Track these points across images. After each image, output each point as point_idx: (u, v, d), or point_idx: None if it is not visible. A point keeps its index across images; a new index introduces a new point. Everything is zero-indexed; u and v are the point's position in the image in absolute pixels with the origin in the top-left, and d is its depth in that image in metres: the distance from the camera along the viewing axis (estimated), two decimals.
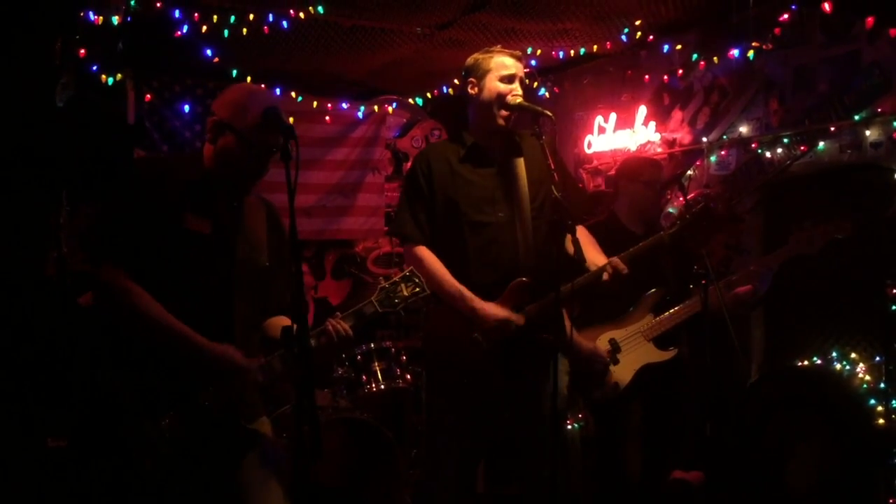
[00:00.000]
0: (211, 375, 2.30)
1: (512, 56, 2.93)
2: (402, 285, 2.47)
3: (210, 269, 2.36)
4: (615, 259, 2.90)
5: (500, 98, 2.88)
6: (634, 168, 3.86)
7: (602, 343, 3.53)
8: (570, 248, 2.67)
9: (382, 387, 4.57)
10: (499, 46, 2.99)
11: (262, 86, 2.47)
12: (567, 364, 2.99)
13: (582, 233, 3.02)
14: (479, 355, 2.83)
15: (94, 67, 5.06)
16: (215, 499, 2.33)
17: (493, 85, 2.89)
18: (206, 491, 2.31)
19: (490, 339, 2.84)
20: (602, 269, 2.88)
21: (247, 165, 2.37)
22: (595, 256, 2.95)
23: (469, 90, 2.96)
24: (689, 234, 3.04)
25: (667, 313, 3.57)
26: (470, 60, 2.97)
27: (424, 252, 2.91)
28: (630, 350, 3.53)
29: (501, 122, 2.91)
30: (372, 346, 4.65)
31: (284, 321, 2.47)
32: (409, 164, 3.94)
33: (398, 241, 5.57)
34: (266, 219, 2.53)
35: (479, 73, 2.92)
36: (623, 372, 3.51)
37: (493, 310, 2.83)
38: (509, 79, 2.89)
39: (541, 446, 2.82)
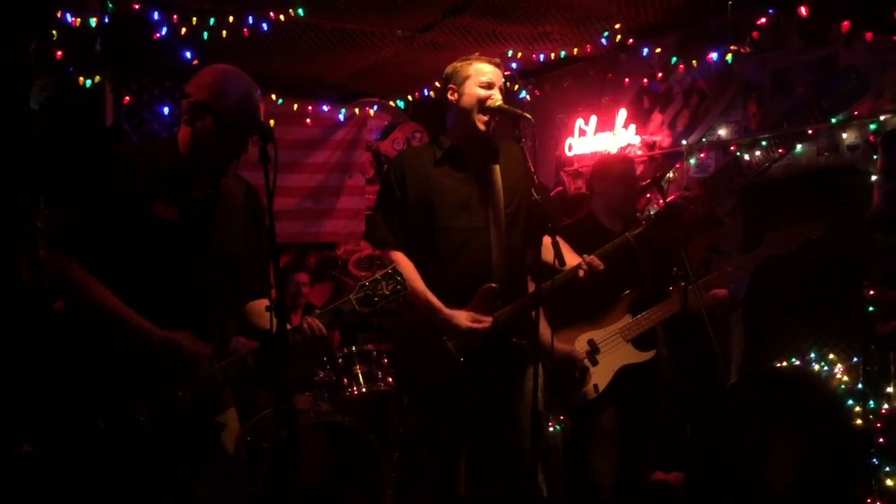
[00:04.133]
0: (166, 365, 2.26)
1: (490, 63, 2.96)
2: (383, 283, 2.47)
3: (181, 258, 2.33)
4: (590, 256, 2.92)
5: (480, 103, 2.91)
6: (606, 166, 3.88)
7: (581, 344, 3.54)
8: (550, 251, 2.68)
9: (364, 390, 4.55)
10: (477, 53, 3.03)
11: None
12: (540, 368, 2.99)
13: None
14: (447, 360, 2.84)
15: (72, 69, 5.02)
16: (172, 483, 2.31)
17: (472, 91, 2.92)
18: (173, 481, 2.30)
19: (461, 346, 2.85)
20: (577, 267, 2.90)
21: (226, 147, 2.36)
22: (570, 258, 2.97)
23: (449, 96, 2.99)
24: (654, 235, 3.07)
25: (644, 313, 3.59)
26: (449, 68, 3.01)
27: (399, 257, 2.91)
28: (609, 351, 3.54)
29: (482, 126, 2.93)
30: (353, 349, 4.64)
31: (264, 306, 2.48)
32: None
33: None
34: (245, 201, 2.51)
35: (459, 80, 2.95)
36: (602, 373, 3.51)
37: (463, 320, 2.83)
38: (488, 85, 2.92)
39: (518, 448, 2.83)
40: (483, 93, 2.90)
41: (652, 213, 3.08)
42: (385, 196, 3.00)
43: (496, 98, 2.91)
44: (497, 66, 2.97)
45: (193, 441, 2.33)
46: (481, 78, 2.91)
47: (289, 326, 2.28)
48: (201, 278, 2.35)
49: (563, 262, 2.70)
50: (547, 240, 2.71)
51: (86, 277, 2.26)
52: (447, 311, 2.84)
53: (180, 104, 2.42)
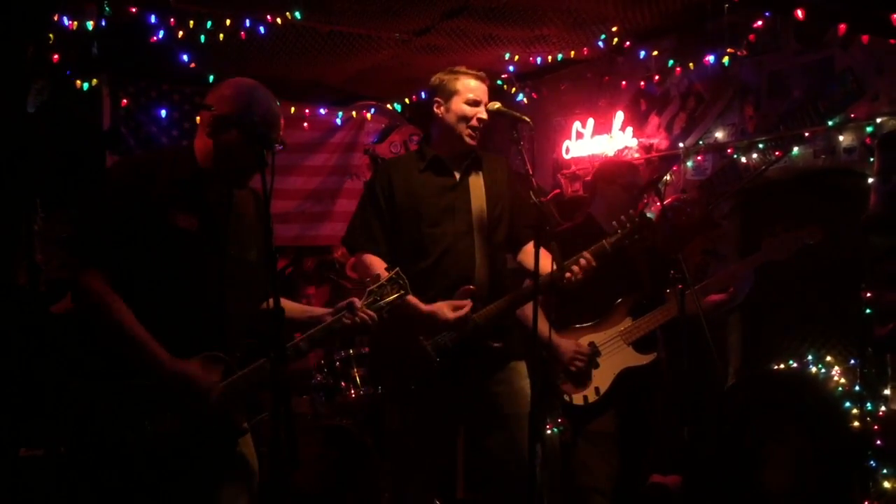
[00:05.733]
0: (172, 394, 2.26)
1: (477, 78, 3.00)
2: (388, 287, 2.49)
3: (200, 266, 2.34)
4: (585, 253, 2.92)
5: (466, 120, 2.95)
6: (612, 171, 3.87)
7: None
8: (546, 255, 2.68)
9: (362, 392, 4.55)
10: (464, 67, 3.04)
11: None
12: (524, 367, 3.01)
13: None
14: (423, 361, 2.85)
15: (68, 72, 5.01)
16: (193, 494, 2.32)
17: (459, 107, 2.96)
18: (194, 491, 2.30)
19: (437, 346, 2.86)
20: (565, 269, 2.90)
21: (250, 159, 2.34)
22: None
23: (434, 109, 3.01)
24: (629, 244, 3.07)
25: (645, 316, 3.59)
26: (435, 80, 3.03)
27: (373, 260, 2.93)
28: (610, 354, 3.54)
29: (470, 141, 2.97)
30: (351, 352, 4.64)
31: (295, 307, 2.55)
32: None
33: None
34: (255, 209, 2.52)
35: (446, 95, 2.99)
36: (603, 376, 3.51)
37: (447, 311, 2.84)
38: (475, 102, 2.96)
39: (512, 448, 2.84)
40: (469, 110, 2.95)
41: (627, 223, 3.05)
42: (367, 202, 3.03)
43: (482, 117, 2.94)
44: (483, 80, 3.01)
45: (215, 451, 2.33)
46: (468, 95, 2.95)
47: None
48: (219, 286, 2.36)
49: (561, 266, 2.70)
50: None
51: (108, 294, 2.24)
52: (427, 307, 2.84)
53: (200, 116, 2.42)
